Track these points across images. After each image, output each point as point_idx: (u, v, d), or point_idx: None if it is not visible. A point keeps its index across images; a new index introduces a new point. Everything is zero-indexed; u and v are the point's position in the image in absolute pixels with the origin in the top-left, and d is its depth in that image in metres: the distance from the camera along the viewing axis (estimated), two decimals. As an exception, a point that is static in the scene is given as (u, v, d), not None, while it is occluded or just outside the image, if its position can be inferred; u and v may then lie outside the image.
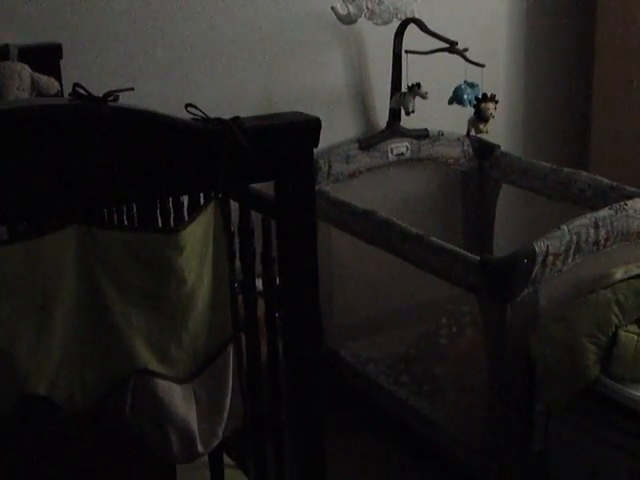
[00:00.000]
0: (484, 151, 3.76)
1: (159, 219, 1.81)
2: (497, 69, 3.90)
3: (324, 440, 1.94)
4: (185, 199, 1.88)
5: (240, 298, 1.90)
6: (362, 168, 3.59)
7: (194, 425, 1.71)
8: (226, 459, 2.26)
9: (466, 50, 3.31)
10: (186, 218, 1.72)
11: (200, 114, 1.66)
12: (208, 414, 1.74)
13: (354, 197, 3.44)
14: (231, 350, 1.75)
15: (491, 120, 3.45)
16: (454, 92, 3.35)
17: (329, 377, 3.56)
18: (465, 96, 3.32)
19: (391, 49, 3.50)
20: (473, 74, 3.37)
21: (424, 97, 3.38)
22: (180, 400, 1.70)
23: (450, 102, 3.37)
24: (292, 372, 1.87)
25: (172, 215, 1.88)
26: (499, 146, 3.74)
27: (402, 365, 3.49)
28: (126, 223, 1.94)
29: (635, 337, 2.50)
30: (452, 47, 3.27)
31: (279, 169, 1.72)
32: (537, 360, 2.62)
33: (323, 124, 3.54)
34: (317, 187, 3.44)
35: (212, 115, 1.68)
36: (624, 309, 2.55)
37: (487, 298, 2.69)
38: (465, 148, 3.76)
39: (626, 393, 2.43)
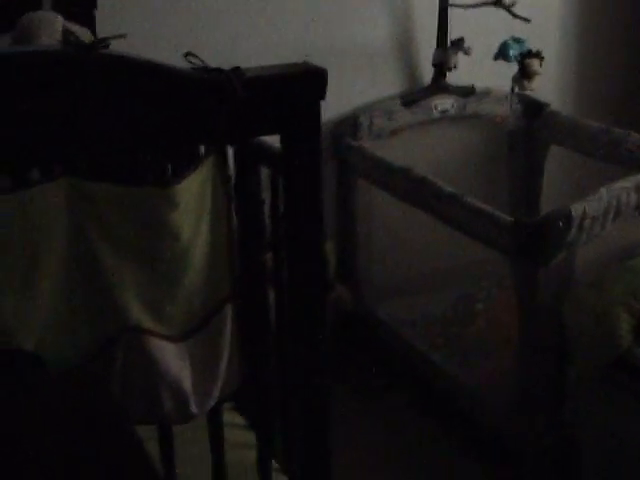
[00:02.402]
0: (533, 109, 3.63)
1: (154, 172, 1.75)
2: (549, 24, 3.76)
3: (331, 403, 1.87)
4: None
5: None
6: (405, 125, 3.49)
7: (187, 385, 1.67)
8: (240, 419, 2.23)
9: (513, 4, 3.18)
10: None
11: (199, 63, 1.58)
12: (203, 374, 1.69)
13: (396, 154, 3.34)
14: (229, 309, 1.70)
15: (541, 77, 3.33)
16: (499, 47, 3.24)
17: (365, 336, 3.52)
18: (511, 52, 3.20)
19: (437, 2, 3.38)
20: (523, 29, 3.25)
21: (467, 53, 3.28)
22: (173, 359, 1.65)
23: (495, 58, 3.26)
24: (297, 332, 1.80)
25: (168, 169, 1.82)
26: (549, 104, 3.61)
27: (438, 327, 3.41)
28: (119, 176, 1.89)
29: (671, 307, 2.40)
30: (498, 1, 3.14)
31: (283, 122, 1.65)
32: (570, 327, 2.52)
33: (365, 79, 3.50)
34: (357, 143, 3.36)
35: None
36: (662, 277, 2.44)
37: (520, 261, 2.60)
38: (513, 106, 3.64)
39: (658, 365, 2.33)
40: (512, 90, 3.24)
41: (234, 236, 1.70)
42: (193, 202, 1.61)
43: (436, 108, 3.51)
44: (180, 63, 1.59)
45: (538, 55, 3.13)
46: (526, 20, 3.10)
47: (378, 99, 3.50)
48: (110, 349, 1.60)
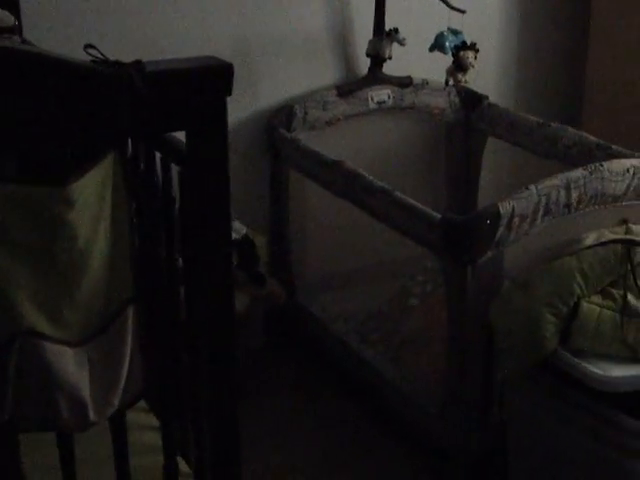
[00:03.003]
0: (471, 102, 3.59)
1: (48, 170, 1.67)
2: (489, 15, 3.72)
3: (237, 404, 1.83)
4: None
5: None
6: (340, 116, 3.43)
7: (86, 392, 1.59)
8: (155, 421, 2.17)
9: (450, -6, 3.13)
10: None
11: (99, 56, 1.51)
12: (102, 381, 1.61)
13: (331, 146, 3.29)
14: (131, 313, 1.63)
15: (480, 69, 3.30)
16: (435, 39, 3.19)
17: (298, 332, 3.47)
18: (447, 43, 3.15)
19: (374, -10, 3.32)
20: (462, 20, 3.19)
21: (401, 43, 3.23)
22: (71, 365, 1.58)
23: (431, 49, 3.21)
24: (205, 333, 1.74)
25: (64, 166, 1.74)
26: (487, 97, 3.57)
27: (373, 323, 3.36)
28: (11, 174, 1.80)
29: (597, 309, 2.35)
30: (433, -10, 3.09)
31: (187, 118, 1.58)
32: (497, 327, 2.48)
33: (300, 68, 3.44)
34: (290, 135, 3.29)
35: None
36: (588, 278, 2.39)
37: (448, 259, 2.56)
38: (451, 98, 3.60)
39: (582, 368, 2.28)
40: (446, 83, 3.18)
41: (137, 236, 1.63)
42: (91, 201, 1.53)
43: (372, 99, 3.46)
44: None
45: (473, 47, 3.08)
46: (461, 11, 3.06)
47: (313, 89, 3.43)
48: (2, 354, 1.53)
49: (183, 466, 2.02)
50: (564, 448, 2.38)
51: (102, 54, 1.52)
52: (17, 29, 2.79)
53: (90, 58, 1.52)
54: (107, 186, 1.55)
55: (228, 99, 3.31)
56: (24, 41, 2.67)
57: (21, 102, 1.42)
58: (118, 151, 1.56)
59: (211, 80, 1.56)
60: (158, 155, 1.79)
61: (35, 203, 1.49)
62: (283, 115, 3.34)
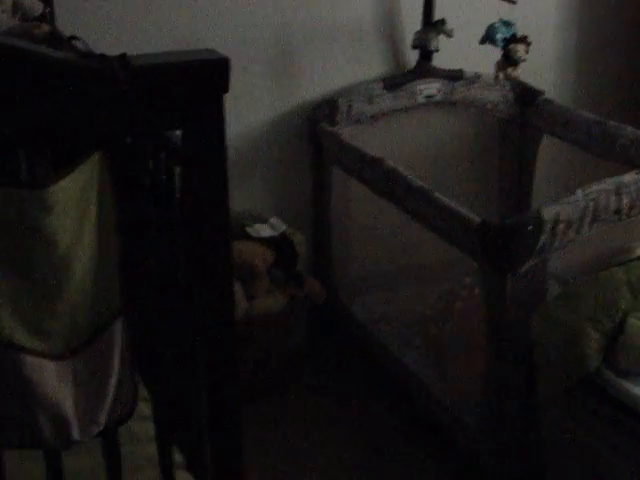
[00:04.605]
0: (526, 97, 3.40)
1: (24, 172, 1.56)
2: (547, 6, 3.52)
3: (240, 410, 1.69)
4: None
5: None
6: (386, 110, 3.28)
7: (69, 409, 1.48)
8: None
9: (499, -16, 2.95)
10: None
11: (83, 48, 1.39)
12: (87, 397, 1.50)
13: (376, 141, 3.17)
14: (120, 325, 1.51)
15: (537, 64, 3.14)
16: (486, 31, 3.01)
17: (338, 333, 3.35)
18: (498, 35, 2.97)
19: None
20: (519, 11, 3.02)
21: (449, 35, 3.05)
22: (53, 380, 1.47)
23: (482, 41, 3.03)
24: (204, 339, 1.61)
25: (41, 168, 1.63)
26: (543, 92, 3.38)
27: (416, 326, 3.21)
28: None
29: (645, 325, 2.18)
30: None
31: (180, 117, 1.45)
32: (538, 342, 2.32)
33: (345, 60, 3.30)
34: (332, 129, 3.16)
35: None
36: (636, 292, 2.22)
37: (487, 267, 2.40)
38: (505, 93, 3.41)
39: (625, 389, 2.12)
40: (495, 77, 3.01)
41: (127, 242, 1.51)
42: (73, 205, 1.41)
43: (421, 93, 3.30)
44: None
45: (524, 40, 2.90)
46: (511, 2, 2.87)
47: (359, 82, 3.28)
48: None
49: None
50: (605, 471, 2.21)
51: (87, 46, 1.40)
52: (47, 17, 2.70)
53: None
54: (91, 189, 1.44)
55: (269, 89, 3.22)
56: (54, 29, 2.57)
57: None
58: (105, 152, 1.44)
59: (203, 76, 1.43)
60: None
61: (11, 207, 1.38)
62: (326, 108, 3.20)
